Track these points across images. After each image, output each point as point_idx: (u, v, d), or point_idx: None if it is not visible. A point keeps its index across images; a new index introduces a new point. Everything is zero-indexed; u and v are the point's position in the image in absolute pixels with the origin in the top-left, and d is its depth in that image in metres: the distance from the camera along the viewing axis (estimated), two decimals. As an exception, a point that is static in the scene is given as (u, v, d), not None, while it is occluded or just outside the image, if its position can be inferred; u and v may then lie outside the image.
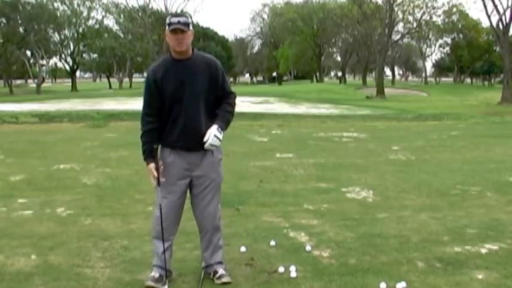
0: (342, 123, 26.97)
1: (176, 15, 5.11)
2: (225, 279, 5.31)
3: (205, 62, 5.19)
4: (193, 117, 5.15)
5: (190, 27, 5.05)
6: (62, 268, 5.72)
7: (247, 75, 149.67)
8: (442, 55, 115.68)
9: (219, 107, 5.30)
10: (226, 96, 5.34)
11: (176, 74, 5.12)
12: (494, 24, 54.04)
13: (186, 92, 5.11)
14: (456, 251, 6.28)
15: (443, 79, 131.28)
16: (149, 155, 5.18)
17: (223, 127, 5.20)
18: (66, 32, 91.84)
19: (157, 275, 5.27)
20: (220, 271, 5.38)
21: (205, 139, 5.09)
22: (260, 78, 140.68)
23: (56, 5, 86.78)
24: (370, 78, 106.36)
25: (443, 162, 13.31)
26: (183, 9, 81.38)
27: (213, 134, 5.09)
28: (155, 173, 5.13)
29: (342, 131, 21.79)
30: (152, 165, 5.15)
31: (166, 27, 5.00)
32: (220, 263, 5.46)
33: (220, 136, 5.14)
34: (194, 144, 5.16)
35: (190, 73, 5.12)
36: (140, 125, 5.27)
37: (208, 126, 5.14)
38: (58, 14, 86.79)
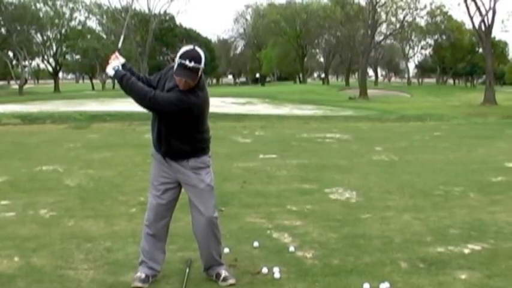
0: (325, 124, 27.00)
1: (190, 56, 4.94)
2: (230, 281, 5.34)
3: (187, 94, 5.04)
4: (166, 132, 5.18)
5: (200, 71, 4.98)
6: (45, 270, 5.70)
7: (230, 76, 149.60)
8: (424, 56, 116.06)
9: (190, 132, 5.22)
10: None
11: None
12: (476, 25, 54.25)
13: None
14: (439, 251, 6.31)
15: (426, 80, 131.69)
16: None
17: (121, 74, 5.17)
18: (49, 33, 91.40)
19: (143, 276, 5.28)
20: (224, 273, 5.39)
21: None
22: (243, 79, 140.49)
23: (38, 5, 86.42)
24: (353, 79, 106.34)
25: (426, 162, 13.37)
26: (167, 10, 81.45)
27: (114, 63, 5.23)
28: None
29: (325, 132, 21.81)
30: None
31: (176, 63, 4.96)
32: (221, 264, 5.48)
33: (112, 67, 5.22)
34: (166, 151, 5.26)
35: None
36: None
37: (180, 142, 5.18)
38: (41, 14, 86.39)
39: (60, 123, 25.38)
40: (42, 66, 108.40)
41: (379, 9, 72.13)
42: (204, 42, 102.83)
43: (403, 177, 11.25)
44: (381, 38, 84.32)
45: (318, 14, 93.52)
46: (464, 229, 7.26)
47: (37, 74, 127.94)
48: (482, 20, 53.01)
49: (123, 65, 5.30)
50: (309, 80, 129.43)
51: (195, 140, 5.24)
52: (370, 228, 7.32)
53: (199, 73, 4.98)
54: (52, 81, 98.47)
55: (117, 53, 5.33)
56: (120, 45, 5.70)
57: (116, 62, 5.25)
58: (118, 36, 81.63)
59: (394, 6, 78.30)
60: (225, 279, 5.34)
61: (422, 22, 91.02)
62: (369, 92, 67.87)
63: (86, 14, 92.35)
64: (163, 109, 5.05)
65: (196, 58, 4.93)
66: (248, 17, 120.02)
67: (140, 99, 5.08)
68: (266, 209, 8.39)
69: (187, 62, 4.89)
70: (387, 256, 6.14)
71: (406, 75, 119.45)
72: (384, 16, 77.84)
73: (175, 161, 5.25)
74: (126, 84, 5.11)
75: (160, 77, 5.31)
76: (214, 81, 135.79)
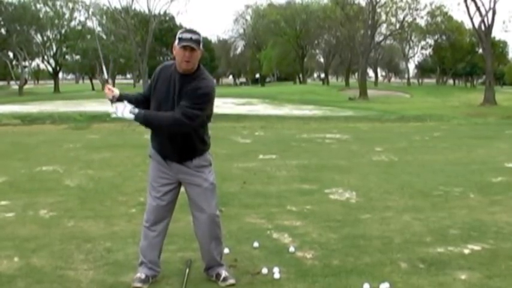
0: (325, 124, 27.02)
1: (189, 31, 5.05)
2: (230, 282, 5.33)
3: (196, 84, 5.06)
4: (183, 137, 5.14)
5: (201, 46, 5.03)
6: (45, 270, 5.69)
7: (230, 76, 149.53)
8: (424, 57, 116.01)
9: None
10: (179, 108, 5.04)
11: (169, 84, 5.13)
12: (476, 25, 54.19)
13: (170, 104, 5.09)
14: (439, 252, 6.31)
15: (426, 80, 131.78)
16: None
17: (141, 114, 5.06)
18: (49, 33, 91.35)
19: (143, 276, 5.28)
20: (224, 273, 5.39)
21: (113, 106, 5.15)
22: (243, 79, 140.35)
23: (38, 6, 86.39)
24: (353, 80, 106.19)
25: (426, 163, 13.37)
26: (166, 10, 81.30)
27: (122, 109, 5.11)
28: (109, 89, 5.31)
29: (324, 132, 21.84)
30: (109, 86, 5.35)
31: (176, 41, 4.98)
32: (221, 265, 5.48)
33: (121, 113, 5.11)
34: (170, 154, 5.23)
35: (179, 89, 5.07)
36: None
37: (185, 142, 5.16)
38: (41, 15, 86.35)
39: (60, 124, 25.41)
40: (42, 66, 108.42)
41: (379, 10, 72.08)
42: (204, 43, 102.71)
43: (402, 178, 11.25)
44: (381, 38, 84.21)
45: (318, 15, 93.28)
46: (464, 229, 7.26)
47: (37, 74, 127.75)
48: (482, 20, 52.97)
49: (120, 95, 5.27)
50: (308, 80, 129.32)
51: (205, 136, 5.29)
52: (370, 229, 7.32)
53: (201, 46, 5.03)
54: (52, 81, 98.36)
55: (108, 86, 5.34)
56: (106, 76, 5.76)
57: (110, 96, 5.26)
58: (117, 38, 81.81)
59: (394, 6, 78.14)
60: (225, 279, 5.33)
61: (422, 22, 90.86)
62: (369, 92, 67.79)
63: (86, 15, 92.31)
64: (201, 111, 5.06)
65: (195, 32, 5.04)
66: (248, 18, 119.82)
67: (172, 125, 5.03)
68: (266, 210, 8.39)
69: (188, 35, 4.98)
70: (387, 256, 6.14)
71: (406, 76, 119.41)
72: (383, 16, 77.72)
73: (180, 162, 5.25)
74: (149, 120, 5.09)
75: (154, 78, 5.30)
76: (215, 81, 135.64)
